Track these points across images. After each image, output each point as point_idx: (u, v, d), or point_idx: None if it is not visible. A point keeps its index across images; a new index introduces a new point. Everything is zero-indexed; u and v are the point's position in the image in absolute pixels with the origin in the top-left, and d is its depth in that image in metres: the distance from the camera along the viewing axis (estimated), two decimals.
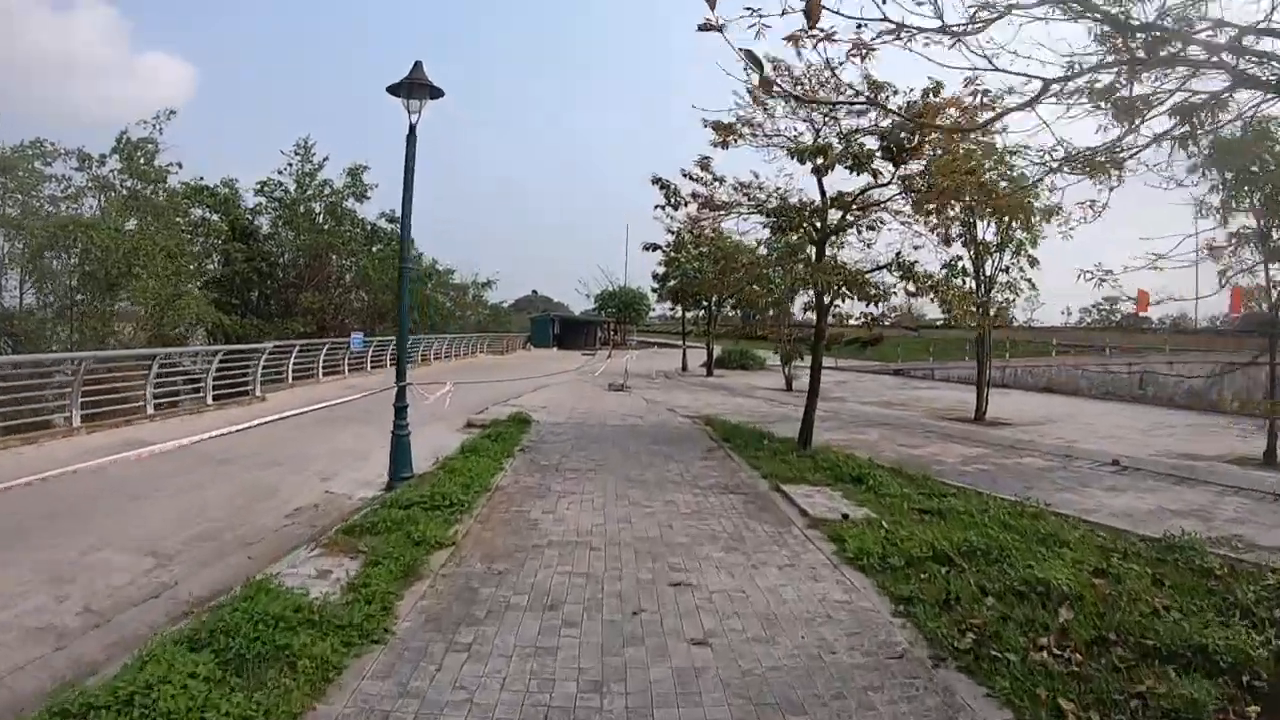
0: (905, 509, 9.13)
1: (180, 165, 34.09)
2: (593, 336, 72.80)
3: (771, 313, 22.19)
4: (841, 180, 13.33)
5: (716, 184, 13.89)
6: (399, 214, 11.52)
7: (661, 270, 36.40)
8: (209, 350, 20.93)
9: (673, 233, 14.35)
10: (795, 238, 13.84)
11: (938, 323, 25.21)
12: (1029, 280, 20.11)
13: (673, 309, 39.83)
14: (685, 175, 14.09)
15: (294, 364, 24.89)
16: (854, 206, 13.02)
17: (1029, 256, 19.93)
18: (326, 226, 45.10)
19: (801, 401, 14.03)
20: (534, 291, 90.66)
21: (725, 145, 13.73)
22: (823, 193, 13.33)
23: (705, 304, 36.34)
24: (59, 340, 26.99)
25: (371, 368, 31.50)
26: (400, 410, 10.73)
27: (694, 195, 14.07)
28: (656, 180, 14.23)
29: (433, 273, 59.14)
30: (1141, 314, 48.11)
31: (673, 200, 14.16)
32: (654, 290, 39.53)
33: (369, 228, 47.58)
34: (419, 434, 12.29)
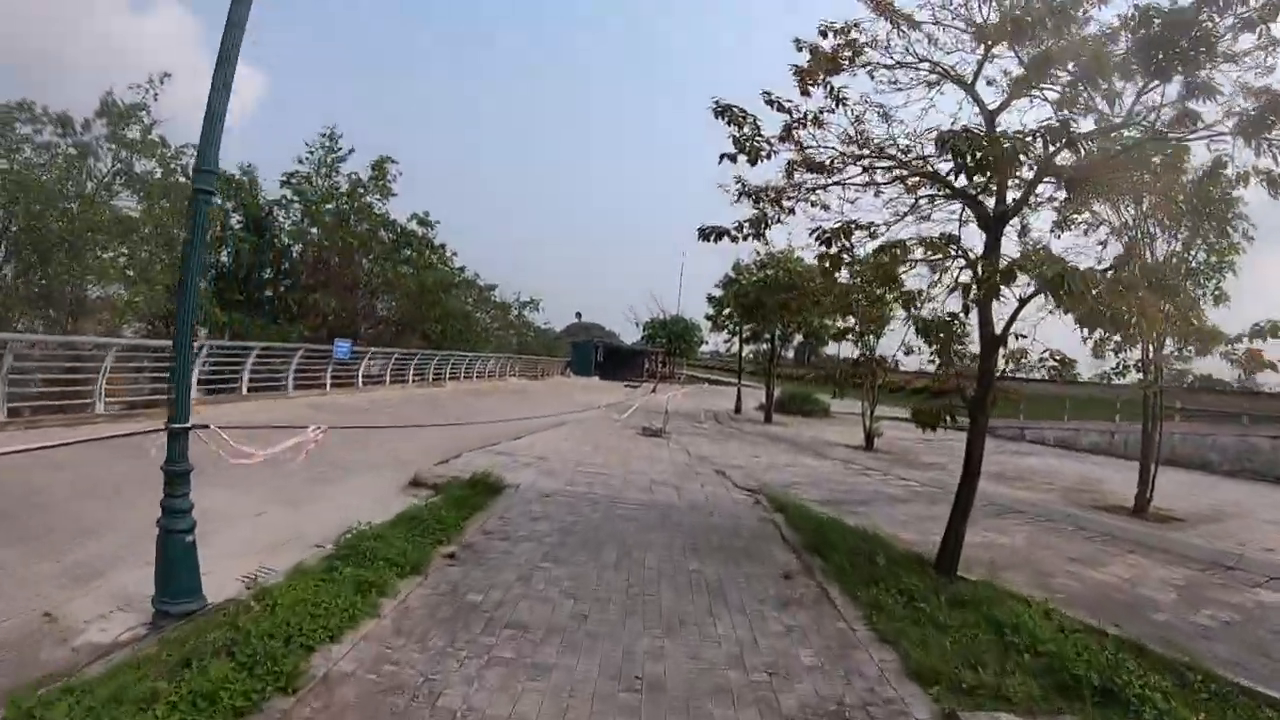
0: None
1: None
2: (639, 367, 67.16)
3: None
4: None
5: (829, 113, 8.07)
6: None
7: (719, 293, 30.80)
8: (103, 343, 15.57)
9: (749, 196, 8.32)
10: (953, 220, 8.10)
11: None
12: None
13: (728, 341, 33.57)
14: (772, 103, 8.31)
15: (251, 372, 19.83)
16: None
17: (1216, 290, 13.89)
18: (359, 228, 40.64)
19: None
20: (578, 316, 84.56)
21: (837, 69, 8.22)
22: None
23: (769, 336, 30.42)
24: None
25: (365, 384, 26.33)
26: (175, 479, 5.24)
27: (788, 134, 8.27)
28: (722, 111, 8.41)
29: (463, 282, 54.55)
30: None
31: (750, 146, 8.36)
32: (709, 317, 33.30)
33: (398, 229, 42.81)
34: (335, 488, 8.85)
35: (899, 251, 8.43)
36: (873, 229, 8.61)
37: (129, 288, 21.19)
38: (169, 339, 24.89)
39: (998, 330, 7.70)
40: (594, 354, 64.71)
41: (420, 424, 16.12)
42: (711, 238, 8.77)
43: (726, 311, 30.85)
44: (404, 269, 41.98)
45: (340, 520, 7.76)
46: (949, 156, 6.80)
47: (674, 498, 11.35)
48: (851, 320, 21.64)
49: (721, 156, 8.49)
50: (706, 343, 74.79)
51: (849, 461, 19.15)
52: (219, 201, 35.11)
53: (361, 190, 40.58)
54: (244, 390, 19.55)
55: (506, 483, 10.66)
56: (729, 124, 8.34)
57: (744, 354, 35.04)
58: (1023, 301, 7.28)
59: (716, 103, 8.42)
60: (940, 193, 8.20)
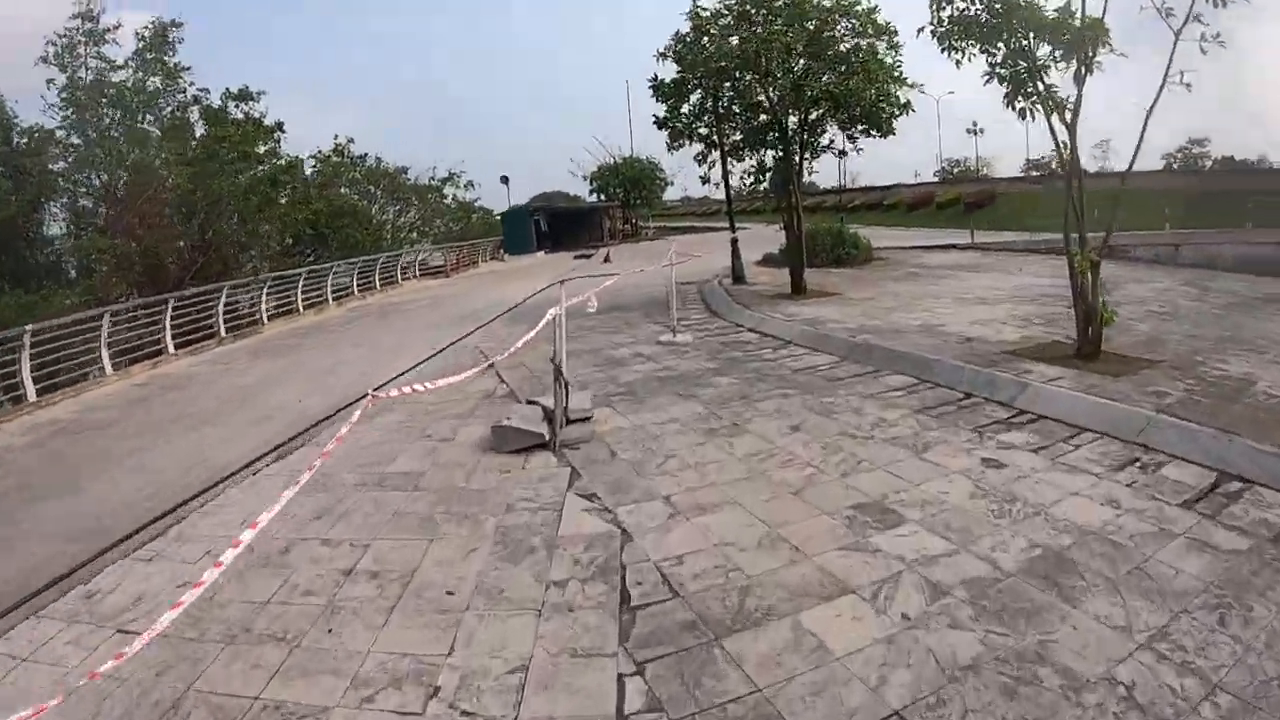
0: None
1: None
2: (597, 228, 52.80)
3: None
4: None
5: None
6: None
7: (673, 76, 16.47)
8: None
9: None
10: None
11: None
12: None
13: (701, 157, 17.87)
14: None
15: None
16: None
17: None
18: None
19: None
20: (504, 180, 63.83)
21: None
22: None
23: (776, 136, 15.99)
24: None
25: (106, 365, 13.02)
26: None
27: None
28: None
29: (368, 170, 44.23)
30: None
31: None
32: (659, 123, 17.68)
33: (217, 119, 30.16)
34: None
35: None
36: None
37: None
38: None
39: None
40: (532, 224, 49.20)
41: None
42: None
43: (689, 106, 16.51)
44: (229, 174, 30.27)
45: None
46: None
47: None
48: None
49: None
50: (672, 183, 60.19)
51: (1129, 459, 6.36)
52: None
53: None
54: None
55: None
56: None
57: (729, 184, 20.24)
58: None
59: None
60: None
